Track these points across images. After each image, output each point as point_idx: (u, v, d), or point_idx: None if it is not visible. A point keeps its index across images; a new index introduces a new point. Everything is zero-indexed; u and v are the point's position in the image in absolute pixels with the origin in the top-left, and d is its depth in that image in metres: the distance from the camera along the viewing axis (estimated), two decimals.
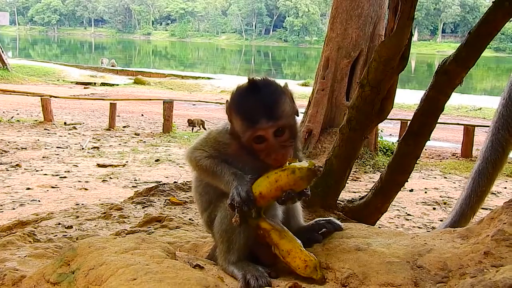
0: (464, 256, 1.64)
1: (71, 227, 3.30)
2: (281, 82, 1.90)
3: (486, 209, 5.23)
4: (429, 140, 3.33)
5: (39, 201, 6.39)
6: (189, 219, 3.28)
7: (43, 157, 9.12)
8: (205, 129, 13.10)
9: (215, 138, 1.94)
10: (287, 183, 1.77)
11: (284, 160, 1.81)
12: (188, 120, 13.60)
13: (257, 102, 1.77)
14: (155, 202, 3.94)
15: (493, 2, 2.87)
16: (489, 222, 1.74)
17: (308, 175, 1.77)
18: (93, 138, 11.55)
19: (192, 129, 13.44)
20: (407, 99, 19.07)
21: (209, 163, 1.88)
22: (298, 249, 1.81)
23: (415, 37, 71.25)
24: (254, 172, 1.84)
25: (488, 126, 3.20)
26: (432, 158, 11.31)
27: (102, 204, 4.23)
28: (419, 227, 6.05)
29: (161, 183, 5.09)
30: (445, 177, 9.11)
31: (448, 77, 3.03)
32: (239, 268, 1.81)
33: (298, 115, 1.90)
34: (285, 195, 1.78)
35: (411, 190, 7.80)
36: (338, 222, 2.10)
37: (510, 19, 2.93)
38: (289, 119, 1.82)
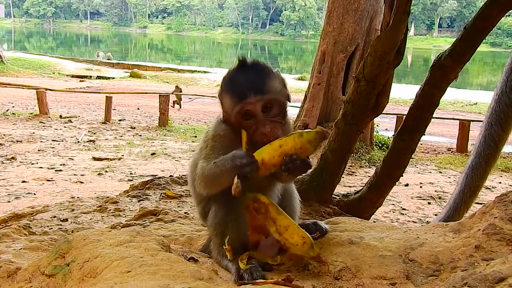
0: (456, 250, 1.66)
1: (66, 220, 3.29)
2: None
3: (480, 203, 5.25)
4: (424, 135, 3.34)
5: (34, 194, 6.39)
6: (185, 213, 3.28)
7: (38, 150, 9.10)
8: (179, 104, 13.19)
9: (215, 131, 1.89)
10: (293, 147, 1.69)
11: (273, 135, 1.75)
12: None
13: (245, 78, 1.78)
14: (150, 195, 3.93)
15: None
16: (481, 216, 1.75)
17: (316, 138, 1.72)
18: (88, 131, 11.52)
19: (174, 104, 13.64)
20: (403, 93, 19.09)
21: (207, 168, 1.80)
22: (295, 225, 1.77)
23: (411, 32, 71.27)
24: None
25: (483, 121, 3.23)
26: (428, 152, 11.35)
27: (97, 197, 4.22)
28: (413, 222, 6.08)
29: (156, 176, 5.07)
30: (440, 172, 9.16)
31: (443, 72, 3.04)
32: (233, 261, 1.81)
33: (290, 101, 1.87)
34: (287, 160, 1.69)
35: (406, 185, 7.84)
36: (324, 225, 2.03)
37: (506, 14, 2.94)
38: (277, 95, 1.80)
